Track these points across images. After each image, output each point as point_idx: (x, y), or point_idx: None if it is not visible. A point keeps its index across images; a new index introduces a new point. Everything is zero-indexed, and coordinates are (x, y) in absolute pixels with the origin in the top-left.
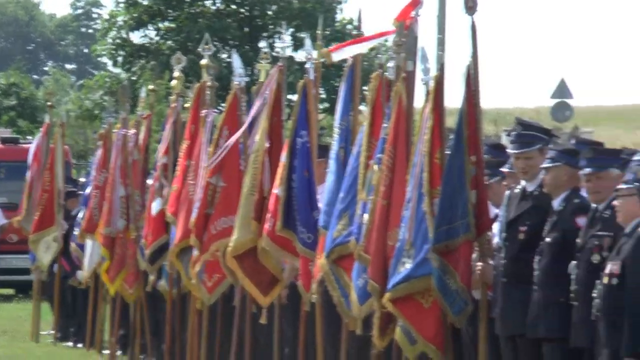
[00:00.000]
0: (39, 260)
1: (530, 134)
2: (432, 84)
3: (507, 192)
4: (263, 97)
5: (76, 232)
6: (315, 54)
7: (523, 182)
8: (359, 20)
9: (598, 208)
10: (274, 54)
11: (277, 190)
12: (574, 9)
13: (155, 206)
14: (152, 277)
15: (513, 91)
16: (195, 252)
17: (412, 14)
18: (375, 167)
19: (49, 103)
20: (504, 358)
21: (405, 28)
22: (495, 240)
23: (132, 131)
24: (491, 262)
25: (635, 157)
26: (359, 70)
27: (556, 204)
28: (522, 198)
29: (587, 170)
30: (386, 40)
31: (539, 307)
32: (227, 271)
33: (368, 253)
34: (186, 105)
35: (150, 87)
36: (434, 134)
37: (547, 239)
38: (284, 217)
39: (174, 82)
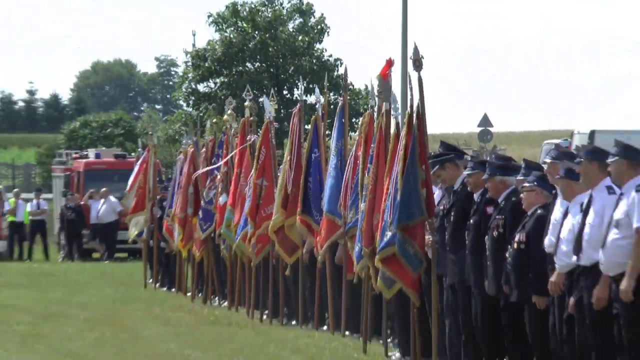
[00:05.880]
0: (129, 234)
1: (437, 161)
2: (400, 118)
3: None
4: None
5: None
6: (322, 98)
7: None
8: (345, 75)
9: (499, 200)
10: (293, 99)
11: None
12: (494, 57)
13: (221, 199)
14: (222, 247)
15: (451, 120)
16: (250, 230)
17: (388, 71)
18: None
19: (150, 132)
20: (445, 298)
21: (384, 80)
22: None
23: (202, 150)
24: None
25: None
26: (347, 109)
27: (476, 197)
28: (452, 194)
29: (485, 176)
30: (366, 89)
31: (469, 266)
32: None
33: (363, 229)
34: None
35: (214, 120)
36: (406, 151)
37: (471, 221)
38: (302, 206)
39: (226, 117)
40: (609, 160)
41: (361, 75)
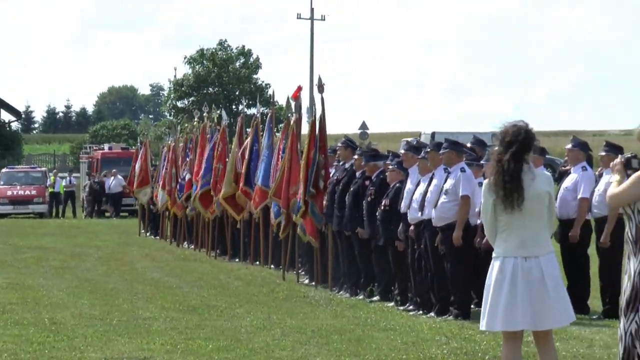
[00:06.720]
0: (140, 200)
1: (345, 142)
2: (309, 123)
3: (334, 169)
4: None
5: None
6: (258, 111)
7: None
8: (273, 95)
9: (372, 177)
10: (239, 111)
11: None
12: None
13: (187, 176)
14: (188, 209)
15: (340, 124)
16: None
17: (299, 94)
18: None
19: (144, 133)
20: (339, 242)
21: (295, 99)
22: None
23: (181, 144)
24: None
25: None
26: (274, 118)
27: (358, 174)
28: (343, 171)
29: (363, 162)
30: (286, 105)
31: (349, 218)
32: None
33: (278, 197)
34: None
35: (186, 125)
36: (310, 145)
37: (351, 189)
38: (245, 180)
39: (194, 123)
40: (441, 151)
41: (283, 95)
